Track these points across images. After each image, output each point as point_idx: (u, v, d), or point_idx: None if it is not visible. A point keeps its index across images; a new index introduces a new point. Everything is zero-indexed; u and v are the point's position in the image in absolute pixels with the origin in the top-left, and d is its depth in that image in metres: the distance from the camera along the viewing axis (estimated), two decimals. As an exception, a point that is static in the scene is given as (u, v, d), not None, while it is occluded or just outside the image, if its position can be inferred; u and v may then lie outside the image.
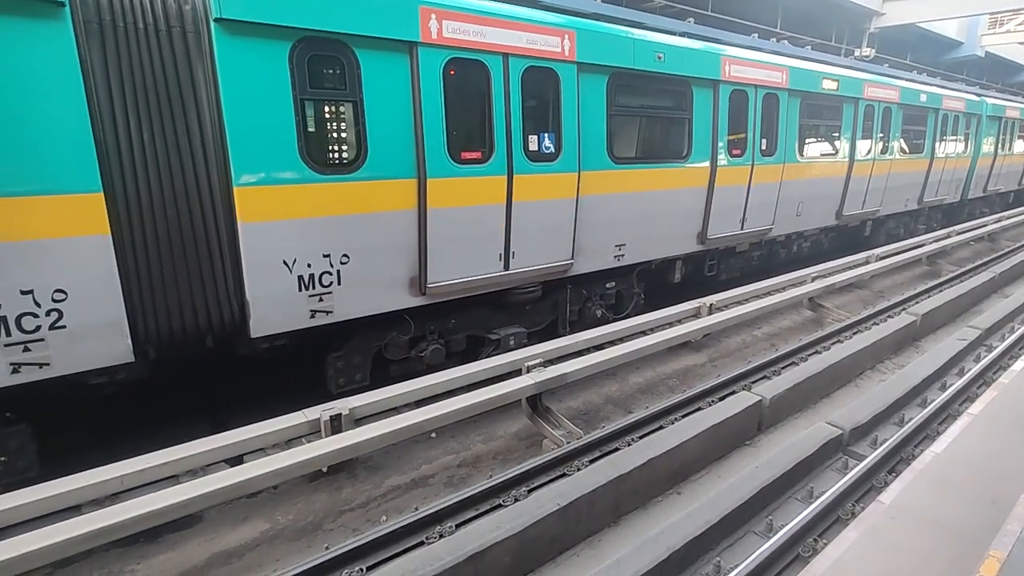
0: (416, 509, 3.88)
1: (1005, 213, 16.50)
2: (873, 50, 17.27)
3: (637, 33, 6.77)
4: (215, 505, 3.75)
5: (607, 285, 7.41)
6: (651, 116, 7.44)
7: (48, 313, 3.81)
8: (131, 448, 3.78)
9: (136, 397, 4.95)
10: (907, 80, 13.08)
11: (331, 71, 4.71)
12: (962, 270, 11.47)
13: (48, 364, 3.87)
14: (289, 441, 4.27)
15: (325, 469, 4.37)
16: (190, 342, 4.55)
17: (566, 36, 5.88)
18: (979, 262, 12.24)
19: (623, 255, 7.10)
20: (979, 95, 16.19)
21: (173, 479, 3.79)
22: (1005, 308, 8.78)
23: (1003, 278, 10.98)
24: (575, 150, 6.15)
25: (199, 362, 5.22)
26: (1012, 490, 3.40)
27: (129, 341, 4.14)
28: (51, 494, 3.35)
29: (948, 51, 21.25)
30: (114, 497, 3.53)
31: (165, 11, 4.04)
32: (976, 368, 6.64)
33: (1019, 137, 17.73)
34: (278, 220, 4.54)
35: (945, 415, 5.72)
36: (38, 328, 3.79)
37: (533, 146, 5.85)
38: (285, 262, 4.64)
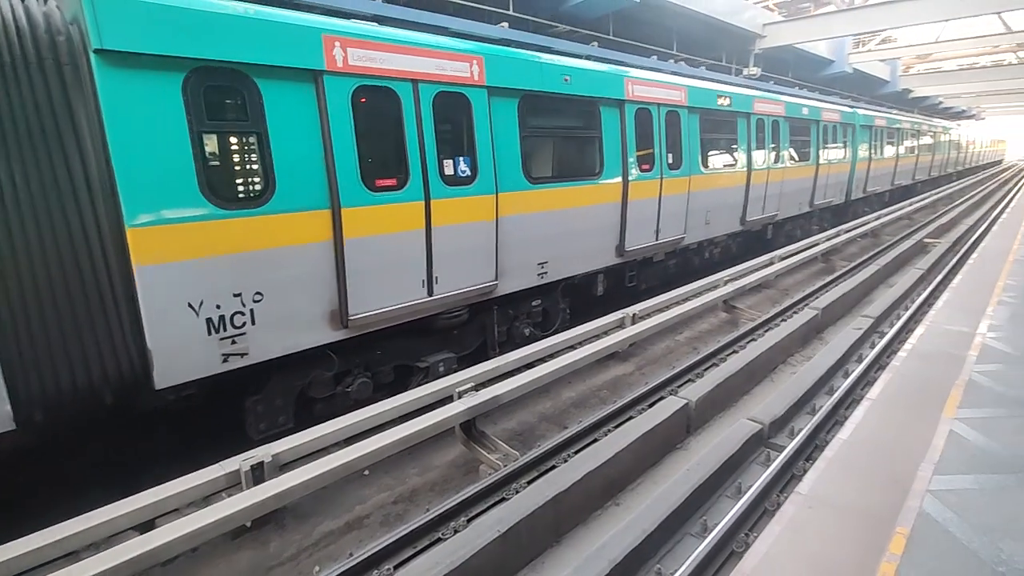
0: (351, 555, 3.68)
1: (883, 211, 18.36)
2: (759, 69, 18.79)
3: (544, 57, 6.99)
4: (122, 580, 3.38)
5: (533, 303, 7.49)
6: (563, 136, 7.69)
7: (-96, 384, 3.34)
8: (21, 526, 3.35)
9: (24, 467, 4.42)
10: (791, 95, 14.30)
11: (231, 102, 4.50)
12: (853, 265, 12.58)
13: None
14: (207, 497, 3.94)
15: (249, 523, 4.06)
16: (84, 400, 4.12)
17: (474, 62, 5.97)
18: (866, 256, 13.49)
19: (546, 272, 7.21)
20: (852, 107, 17.99)
21: (72, 556, 3.38)
22: (891, 296, 9.72)
23: (886, 269, 12.13)
24: (491, 172, 6.21)
25: (99, 421, 4.74)
26: (909, 467, 3.70)
27: (8, 406, 3.70)
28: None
29: (823, 68, 23.48)
30: (-3, 587, 3.11)
31: (36, 43, 3.70)
32: (872, 354, 7.24)
33: (887, 143, 19.87)
34: (180, 261, 4.23)
35: (850, 400, 6.16)
36: None
37: (449, 170, 5.84)
38: (191, 305, 4.33)
